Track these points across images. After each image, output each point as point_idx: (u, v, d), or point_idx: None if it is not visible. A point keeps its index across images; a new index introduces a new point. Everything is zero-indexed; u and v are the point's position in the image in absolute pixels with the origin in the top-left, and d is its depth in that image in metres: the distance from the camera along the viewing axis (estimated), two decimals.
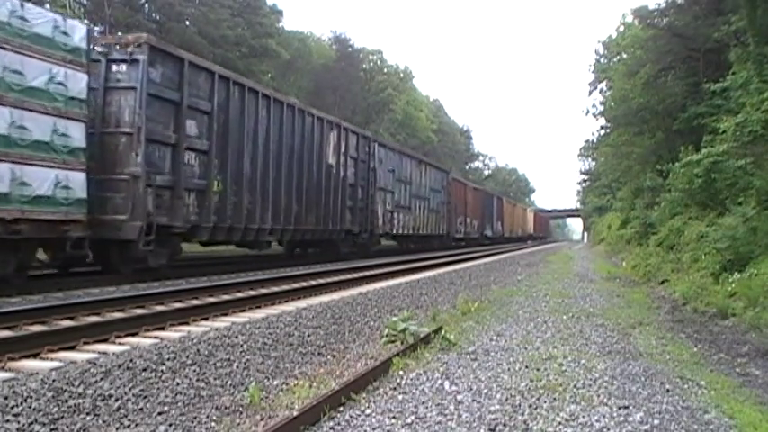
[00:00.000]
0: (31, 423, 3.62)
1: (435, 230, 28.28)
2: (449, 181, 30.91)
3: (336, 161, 17.36)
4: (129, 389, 4.30)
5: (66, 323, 6.27)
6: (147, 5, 32.06)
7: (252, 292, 9.26)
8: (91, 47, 9.68)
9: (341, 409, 4.14)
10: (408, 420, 3.99)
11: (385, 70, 56.10)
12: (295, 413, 3.73)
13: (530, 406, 4.36)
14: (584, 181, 66.84)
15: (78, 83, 9.19)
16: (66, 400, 3.94)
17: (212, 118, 11.78)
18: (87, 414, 3.87)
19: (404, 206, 23.51)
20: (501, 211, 46.05)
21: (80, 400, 3.98)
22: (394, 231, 22.61)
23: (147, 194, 10.14)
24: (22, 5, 8.31)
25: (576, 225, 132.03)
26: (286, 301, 8.69)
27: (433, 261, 18.41)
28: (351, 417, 4.02)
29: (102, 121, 10.03)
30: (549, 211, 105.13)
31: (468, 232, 34.88)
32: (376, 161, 20.39)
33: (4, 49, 8.02)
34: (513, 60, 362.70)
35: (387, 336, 6.56)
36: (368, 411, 4.14)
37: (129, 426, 3.84)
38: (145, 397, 4.26)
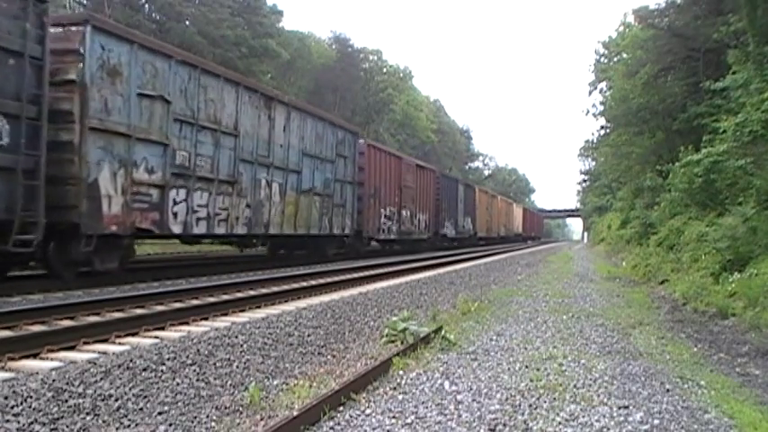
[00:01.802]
0: (31, 423, 3.62)
1: (321, 228, 16.72)
2: (361, 150, 19.41)
3: None
4: (129, 389, 4.30)
5: (67, 323, 6.27)
6: (147, 5, 32.07)
7: (252, 292, 9.26)
8: None
9: (341, 409, 4.14)
10: (408, 420, 3.99)
11: (385, 70, 56.11)
12: (295, 413, 3.73)
13: (530, 406, 4.36)
14: (584, 181, 67.07)
15: None
16: (66, 400, 3.94)
17: None
18: (87, 414, 3.87)
19: (210, 178, 11.94)
20: (472, 204, 35.62)
21: (80, 400, 3.98)
22: (170, 229, 10.99)
23: None
24: None
25: (576, 225, 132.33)
26: (286, 301, 8.70)
27: (434, 261, 18.45)
28: (351, 417, 4.02)
29: None
30: (549, 211, 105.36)
31: (406, 231, 23.81)
32: (87, 70, 9.02)
33: None
34: (513, 61, 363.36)
35: (387, 336, 6.56)
36: (368, 411, 4.14)
37: (129, 426, 3.84)
38: (145, 397, 4.26)
